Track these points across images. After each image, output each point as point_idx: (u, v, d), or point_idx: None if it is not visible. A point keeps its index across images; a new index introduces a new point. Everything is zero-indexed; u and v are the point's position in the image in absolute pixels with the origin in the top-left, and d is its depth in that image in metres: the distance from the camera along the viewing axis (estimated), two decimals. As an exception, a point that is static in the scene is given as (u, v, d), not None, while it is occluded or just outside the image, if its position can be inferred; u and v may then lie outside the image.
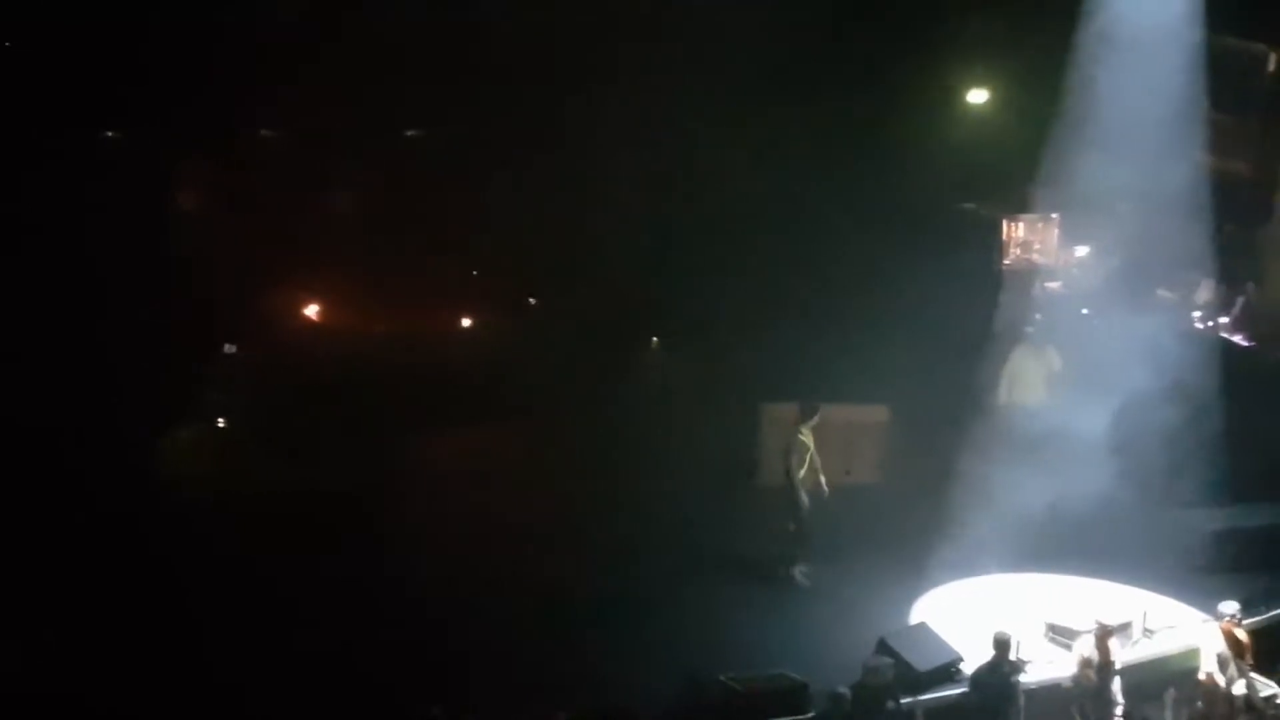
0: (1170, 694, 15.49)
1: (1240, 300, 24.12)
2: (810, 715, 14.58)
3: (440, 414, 20.75)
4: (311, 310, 23.06)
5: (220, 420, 21.14)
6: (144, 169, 22.00)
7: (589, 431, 20.97)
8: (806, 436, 18.47)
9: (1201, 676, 15.15)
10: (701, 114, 22.84)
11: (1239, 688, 14.96)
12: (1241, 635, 15.30)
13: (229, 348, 21.61)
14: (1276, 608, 17.32)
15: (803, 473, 18.37)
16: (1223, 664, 15.07)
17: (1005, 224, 25.95)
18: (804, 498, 18.34)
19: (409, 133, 24.47)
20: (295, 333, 22.74)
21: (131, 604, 15.84)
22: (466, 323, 23.93)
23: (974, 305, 22.41)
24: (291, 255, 22.65)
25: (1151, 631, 16.96)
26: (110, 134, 23.05)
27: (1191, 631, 16.57)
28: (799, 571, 18.43)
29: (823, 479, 18.51)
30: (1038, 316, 24.11)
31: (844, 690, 14.12)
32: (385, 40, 22.29)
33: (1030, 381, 20.37)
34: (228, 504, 18.61)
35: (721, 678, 14.89)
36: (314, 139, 23.22)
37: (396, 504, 18.55)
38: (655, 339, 24.26)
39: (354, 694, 14.68)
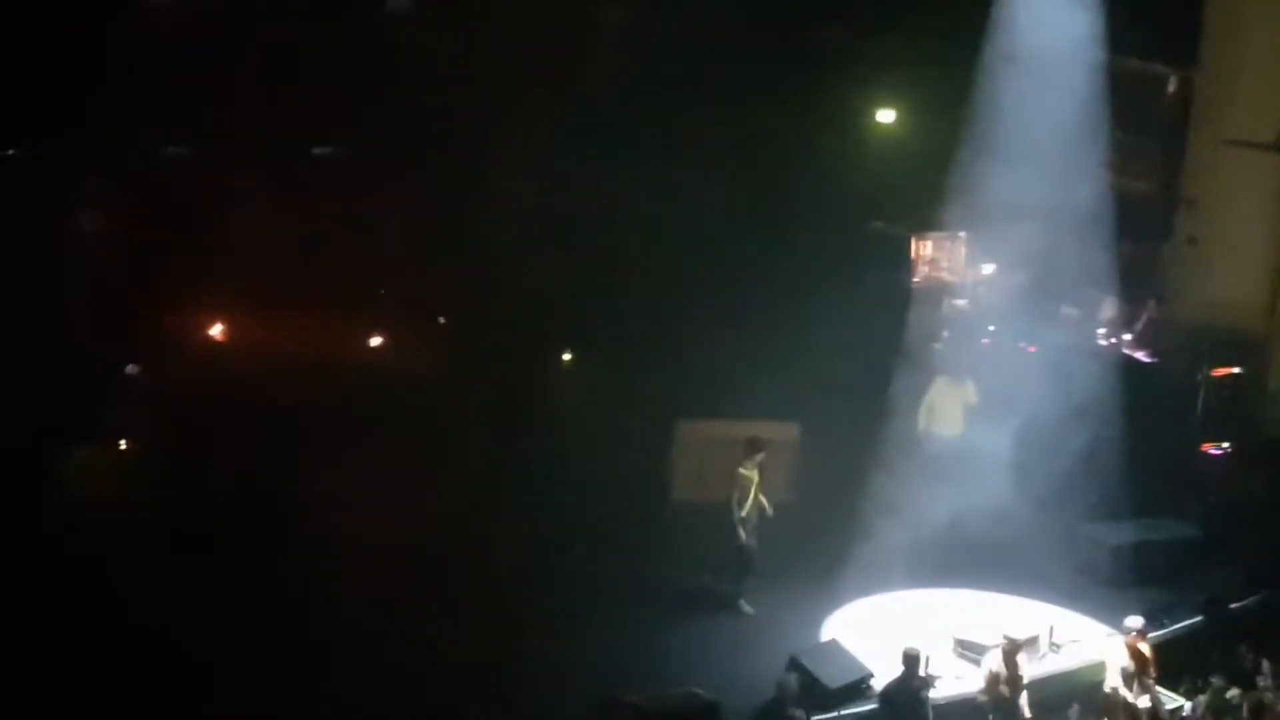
0: (1075, 709, 15.64)
1: (1144, 317, 24.45)
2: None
3: (350, 434, 20.56)
4: (217, 330, 22.80)
5: (123, 441, 20.84)
6: (38, 186, 21.74)
7: (502, 450, 20.87)
8: (750, 471, 18.28)
9: (1107, 690, 15.33)
10: (611, 130, 22.86)
11: (1143, 701, 15.16)
12: (1145, 649, 15.51)
13: (131, 368, 21.30)
14: (1178, 621, 17.58)
15: (746, 509, 18.21)
16: (1127, 679, 15.26)
17: (914, 242, 26.15)
18: (743, 533, 18.16)
19: (316, 149, 24.28)
20: (200, 352, 22.44)
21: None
22: (375, 341, 23.76)
23: (884, 323, 22.53)
24: (195, 274, 22.44)
25: (1058, 646, 17.15)
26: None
27: (1097, 646, 16.79)
28: (741, 601, 18.30)
29: (767, 507, 18.34)
30: (946, 334, 24.36)
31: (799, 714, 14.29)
32: (288, 54, 22.17)
33: (948, 413, 20.36)
34: (128, 524, 18.36)
35: (632, 698, 14.88)
36: (218, 155, 23.00)
37: (305, 524, 18.32)
38: (568, 355, 24.22)
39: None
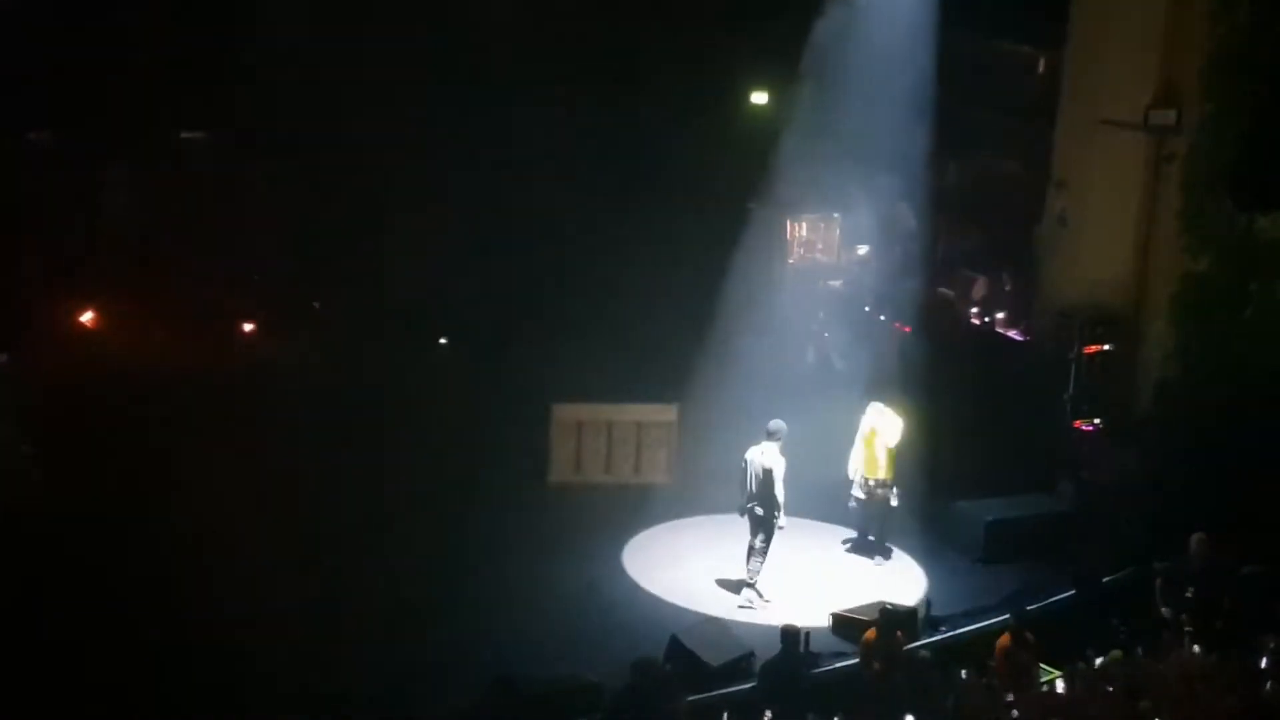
0: (956, 679, 15.77)
1: (1006, 294, 24.86)
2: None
3: (223, 420, 20.32)
4: (87, 317, 22.44)
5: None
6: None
7: (378, 435, 20.71)
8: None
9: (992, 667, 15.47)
10: (482, 114, 22.77)
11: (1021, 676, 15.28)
12: (1022, 636, 15.64)
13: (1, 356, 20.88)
14: (1051, 596, 17.79)
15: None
16: (1010, 660, 15.38)
17: (789, 223, 26.31)
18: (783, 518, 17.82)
19: (187, 134, 23.97)
20: (72, 340, 22.07)
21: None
22: (249, 327, 23.50)
23: (759, 305, 22.62)
24: (67, 260, 22.10)
25: (935, 620, 17.31)
26: None
27: (975, 623, 17.00)
28: (755, 590, 18.02)
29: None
30: (821, 315, 24.56)
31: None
32: (153, 39, 21.91)
33: (870, 455, 19.75)
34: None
35: (515, 680, 14.84)
36: (88, 140, 22.66)
37: (180, 516, 18.03)
38: (443, 340, 24.11)
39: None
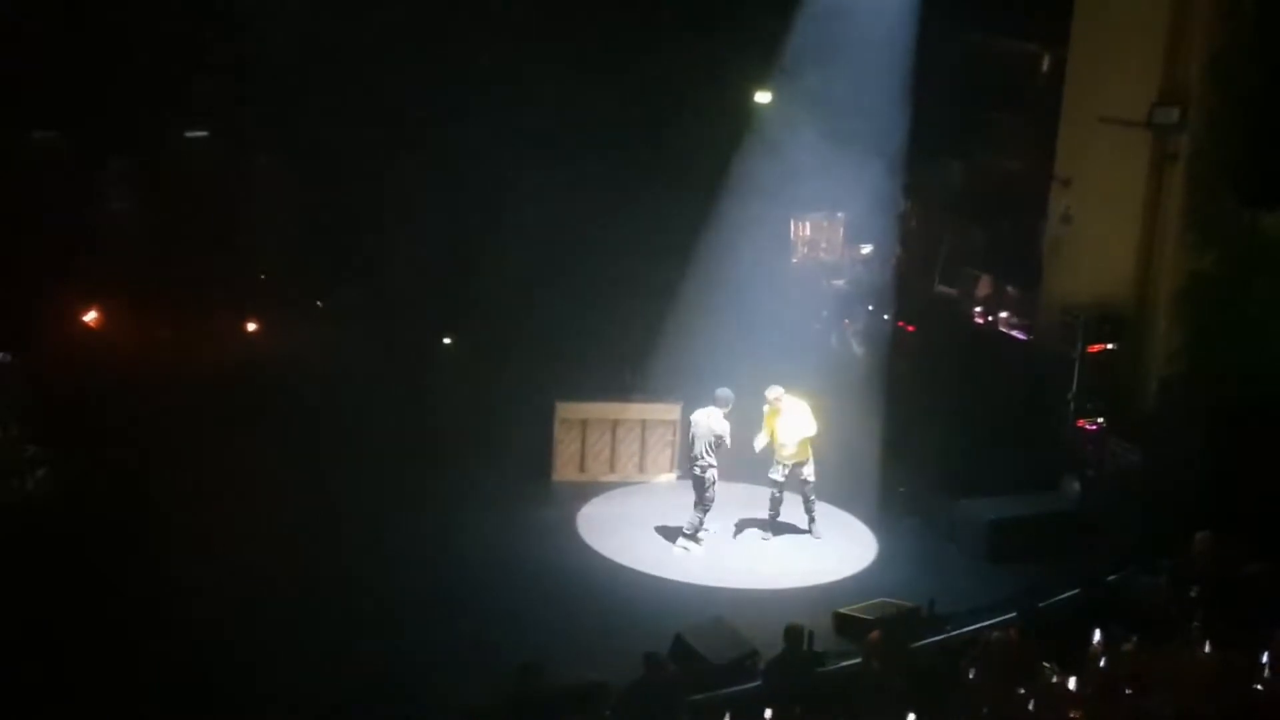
0: (962, 678, 15.74)
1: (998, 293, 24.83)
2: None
3: (227, 417, 20.33)
4: (91, 316, 22.44)
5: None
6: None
7: (381, 433, 20.72)
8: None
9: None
10: (489, 113, 22.76)
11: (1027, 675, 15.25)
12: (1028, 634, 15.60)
13: (2, 356, 20.85)
14: (1053, 595, 17.76)
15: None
16: (1015, 659, 15.34)
17: (793, 223, 26.30)
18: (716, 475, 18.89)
19: (188, 133, 23.96)
20: (75, 339, 22.05)
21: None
22: (252, 326, 23.50)
23: (764, 304, 22.61)
24: (70, 259, 22.08)
25: (938, 619, 17.29)
26: None
27: (980, 622, 16.96)
28: (685, 543, 19.01)
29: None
30: (825, 313, 24.56)
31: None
32: (156, 35, 21.93)
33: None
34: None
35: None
36: (88, 139, 22.67)
37: (186, 515, 18.04)
38: (448, 340, 24.11)
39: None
